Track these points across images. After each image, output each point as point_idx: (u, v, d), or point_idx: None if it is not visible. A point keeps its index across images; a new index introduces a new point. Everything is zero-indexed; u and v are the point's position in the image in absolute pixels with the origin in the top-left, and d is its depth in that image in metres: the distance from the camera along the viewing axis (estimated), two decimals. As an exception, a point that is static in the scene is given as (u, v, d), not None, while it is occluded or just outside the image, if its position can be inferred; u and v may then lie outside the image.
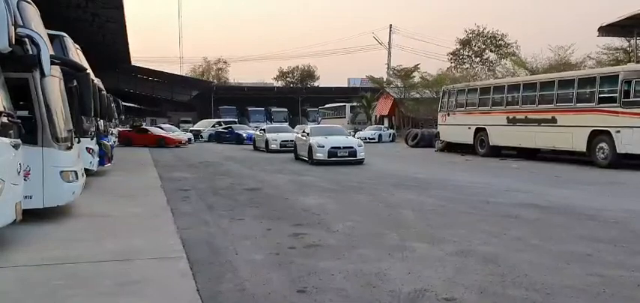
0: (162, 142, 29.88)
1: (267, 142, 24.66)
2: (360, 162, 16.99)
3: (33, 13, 7.32)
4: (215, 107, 60.24)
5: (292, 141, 22.21)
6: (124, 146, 27.81)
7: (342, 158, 16.89)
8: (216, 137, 36.84)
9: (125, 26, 30.93)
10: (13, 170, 5.68)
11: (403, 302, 4.08)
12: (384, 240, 6.20)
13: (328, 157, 16.80)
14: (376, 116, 45.55)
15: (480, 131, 21.01)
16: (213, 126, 41.99)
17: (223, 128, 38.03)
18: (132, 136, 30.70)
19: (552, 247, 5.78)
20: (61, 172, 7.16)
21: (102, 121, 14.40)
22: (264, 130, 26.82)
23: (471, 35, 48.36)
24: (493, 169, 15.76)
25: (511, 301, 4.07)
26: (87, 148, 11.04)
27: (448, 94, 23.91)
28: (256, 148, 26.47)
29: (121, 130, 33.00)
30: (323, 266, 5.04)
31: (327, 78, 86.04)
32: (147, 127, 35.54)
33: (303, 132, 19.72)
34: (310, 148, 17.36)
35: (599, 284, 4.42)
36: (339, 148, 17.07)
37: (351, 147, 17.32)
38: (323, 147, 16.98)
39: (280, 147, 23.85)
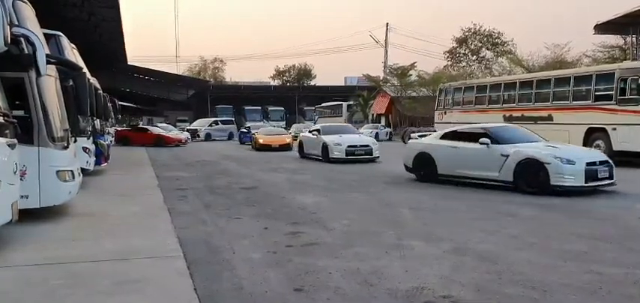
0: (161, 142, 29.70)
1: (325, 147, 17.83)
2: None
3: (28, 13, 7.31)
4: (212, 106, 60.15)
5: (365, 146, 17.59)
6: (123, 146, 27.79)
7: (601, 183, 9.81)
8: (239, 138, 34.20)
9: (121, 25, 30.87)
10: (10, 170, 5.66)
11: (401, 300, 4.09)
12: (381, 238, 6.21)
13: (585, 183, 9.56)
14: (373, 115, 45.61)
15: (476, 129, 21.03)
16: (210, 125, 41.99)
17: (244, 128, 35.73)
18: (130, 136, 30.64)
19: (549, 245, 5.79)
20: (58, 171, 7.14)
21: (98, 120, 14.36)
22: (318, 130, 19.81)
23: (467, 34, 48.62)
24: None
25: (508, 299, 4.09)
26: (83, 147, 11.01)
27: (445, 93, 23.95)
28: (305, 156, 19.79)
29: (119, 129, 32.92)
30: (320, 264, 5.04)
31: (324, 77, 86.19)
32: (146, 126, 35.40)
33: (454, 132, 11.99)
34: (538, 170, 9.65)
35: (596, 282, 4.44)
36: (594, 163, 9.93)
37: (607, 161, 10.22)
38: (572, 163, 9.54)
39: (346, 155, 17.26)
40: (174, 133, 34.36)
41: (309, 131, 20.45)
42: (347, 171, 14.69)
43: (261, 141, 25.42)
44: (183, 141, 31.68)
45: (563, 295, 4.13)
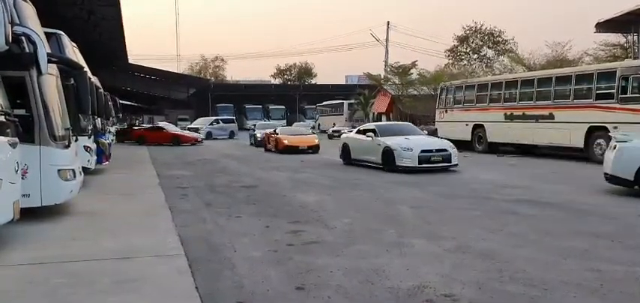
0: (177, 141, 29.52)
1: (389, 153, 13.80)
2: None
3: (29, 12, 7.32)
4: (212, 105, 60.16)
5: (443, 151, 13.84)
6: (139, 145, 28.01)
7: None
8: (250, 139, 31.25)
9: (122, 24, 30.83)
10: (11, 169, 5.67)
11: (402, 298, 4.09)
12: (382, 236, 6.21)
13: None
14: (374, 114, 45.50)
15: (477, 128, 21.04)
16: (211, 124, 42.02)
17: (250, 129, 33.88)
18: (146, 135, 30.71)
19: (550, 243, 5.80)
20: (59, 170, 7.15)
21: (99, 119, 14.36)
22: (373, 130, 15.44)
23: (468, 32, 48.55)
24: (491, 165, 15.79)
25: (509, 297, 4.09)
26: (84, 146, 11.02)
27: (446, 91, 23.94)
28: (351, 162, 15.79)
29: (135, 128, 33.14)
30: (321, 263, 5.04)
31: (325, 75, 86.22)
32: (162, 125, 35.24)
33: None
34: None
35: (597, 279, 4.44)
36: None
37: None
38: None
39: (420, 163, 13.36)
40: (191, 132, 34.40)
41: (358, 132, 16.56)
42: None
43: (286, 142, 21.84)
44: (199, 140, 31.34)
45: (563, 293, 4.13)
